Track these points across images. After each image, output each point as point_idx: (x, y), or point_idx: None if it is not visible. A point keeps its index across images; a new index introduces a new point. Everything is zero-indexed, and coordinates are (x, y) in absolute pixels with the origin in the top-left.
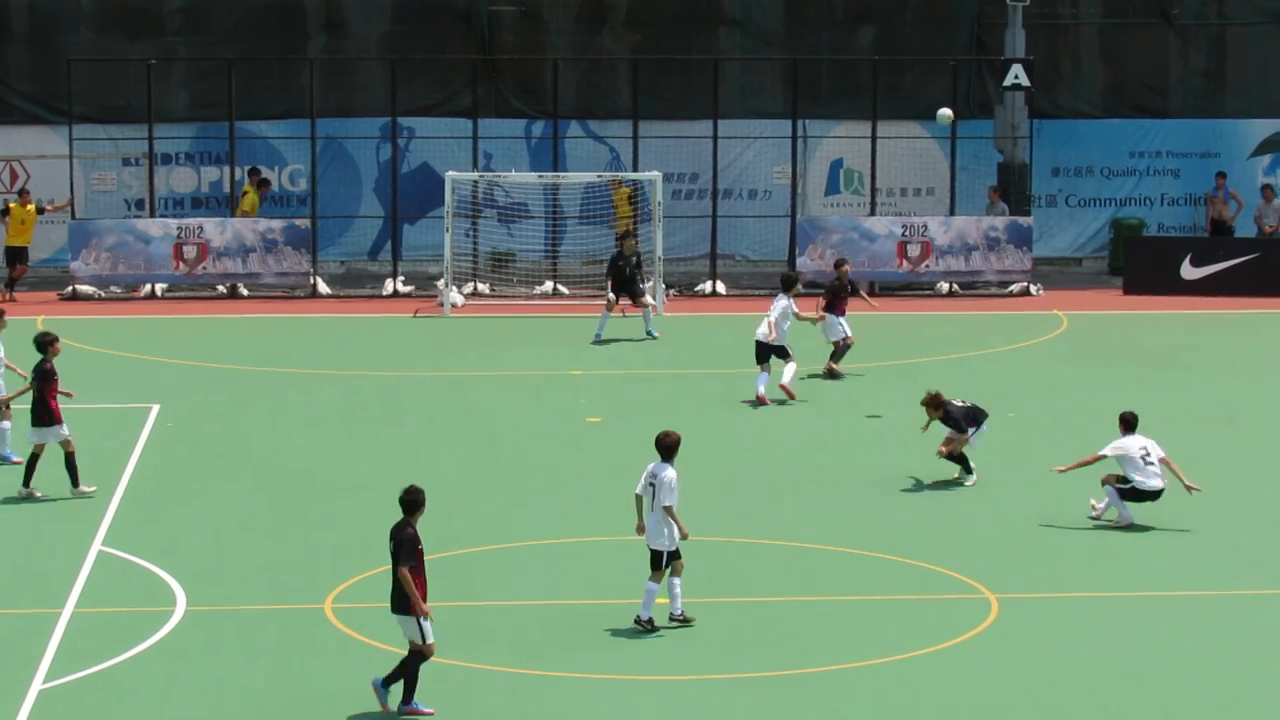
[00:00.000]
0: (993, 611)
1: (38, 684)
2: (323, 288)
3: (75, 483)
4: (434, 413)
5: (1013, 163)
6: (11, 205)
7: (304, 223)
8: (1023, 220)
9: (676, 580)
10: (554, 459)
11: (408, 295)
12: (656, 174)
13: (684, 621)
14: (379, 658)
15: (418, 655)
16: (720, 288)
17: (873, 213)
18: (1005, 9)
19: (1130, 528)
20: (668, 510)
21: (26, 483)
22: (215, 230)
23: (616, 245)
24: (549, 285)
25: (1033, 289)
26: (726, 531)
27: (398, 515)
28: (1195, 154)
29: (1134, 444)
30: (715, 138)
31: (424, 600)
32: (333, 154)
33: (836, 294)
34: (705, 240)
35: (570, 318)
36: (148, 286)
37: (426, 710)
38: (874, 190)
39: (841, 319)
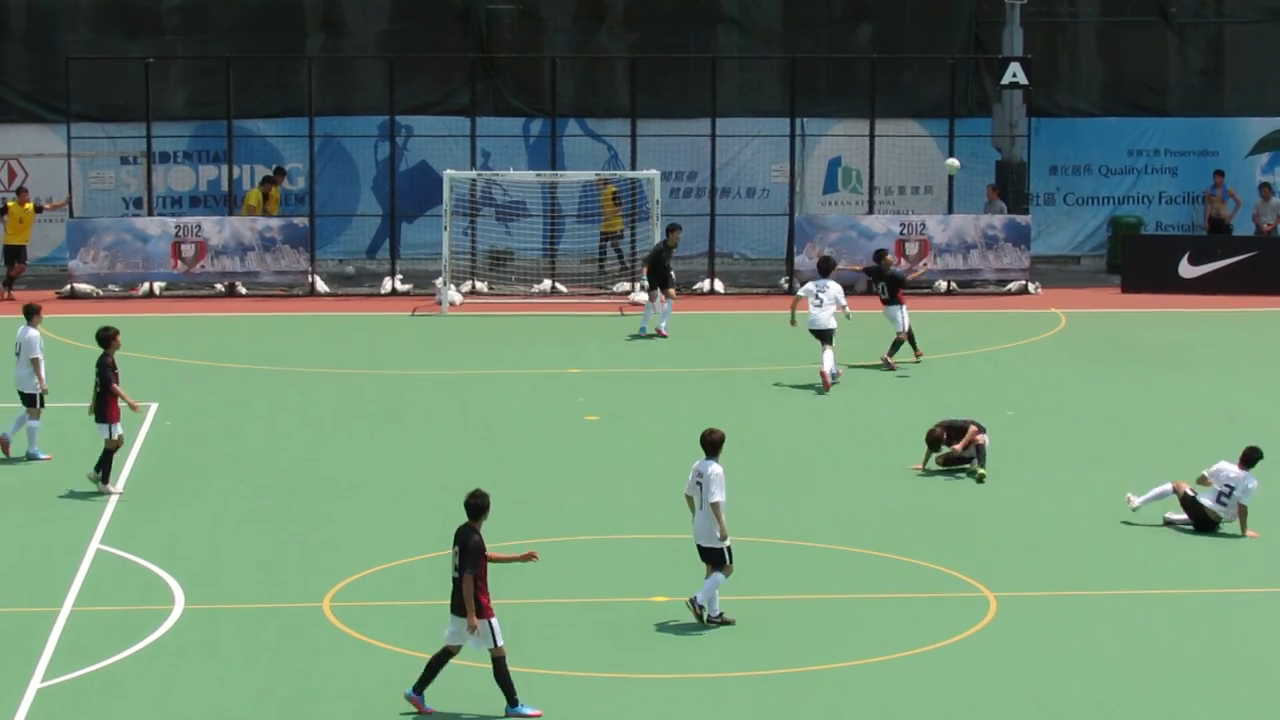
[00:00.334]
0: (991, 610)
1: (36, 682)
2: (321, 286)
3: (105, 478)
4: (432, 411)
5: (1011, 161)
6: (10, 204)
7: (302, 221)
8: (1021, 218)
9: (718, 579)
10: (552, 457)
11: (406, 294)
12: (655, 172)
13: (718, 620)
14: (377, 656)
15: (499, 660)
16: (718, 286)
17: (871, 211)
18: (1003, 7)
19: (1129, 522)
20: (715, 508)
21: (106, 479)
22: (213, 229)
23: (663, 237)
24: (547, 284)
25: (1031, 287)
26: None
27: (396, 515)
28: (1193, 152)
29: (1231, 476)
30: (713, 136)
31: (488, 604)
32: (331, 152)
33: (893, 284)
34: (703, 239)
35: (568, 316)
36: (146, 285)
37: (427, 708)
38: (872, 188)
39: (902, 308)
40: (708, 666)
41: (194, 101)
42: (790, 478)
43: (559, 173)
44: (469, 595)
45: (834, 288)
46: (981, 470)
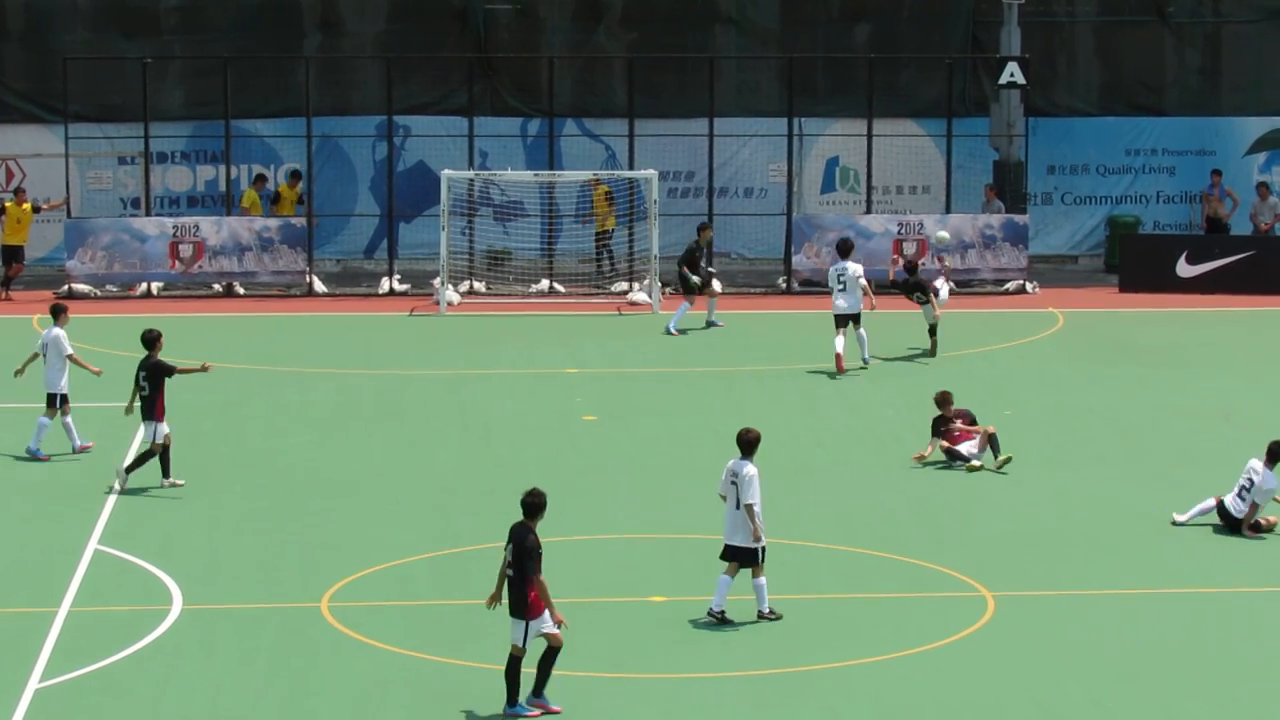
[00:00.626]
0: (989, 609)
1: (34, 683)
2: (319, 286)
3: (166, 473)
4: (430, 411)
5: (1008, 161)
6: (7, 204)
7: (300, 221)
8: (1018, 218)
9: (760, 581)
10: (549, 457)
11: (404, 294)
12: (652, 172)
13: (776, 616)
14: (375, 656)
15: (515, 659)
16: (716, 286)
17: (869, 210)
18: (1001, 7)
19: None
20: (749, 509)
21: (166, 473)
22: (211, 229)
23: (696, 234)
24: (545, 284)
25: (1029, 287)
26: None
27: (394, 515)
28: (1191, 152)
29: (1256, 471)
30: (711, 136)
31: (537, 603)
32: (329, 152)
33: (926, 288)
34: None
35: (566, 316)
36: (144, 285)
37: (554, 708)
38: (870, 188)
39: (936, 298)
40: (706, 666)
41: (191, 102)
42: (789, 478)
43: (557, 173)
44: (543, 593)
45: (854, 269)
46: (1003, 457)
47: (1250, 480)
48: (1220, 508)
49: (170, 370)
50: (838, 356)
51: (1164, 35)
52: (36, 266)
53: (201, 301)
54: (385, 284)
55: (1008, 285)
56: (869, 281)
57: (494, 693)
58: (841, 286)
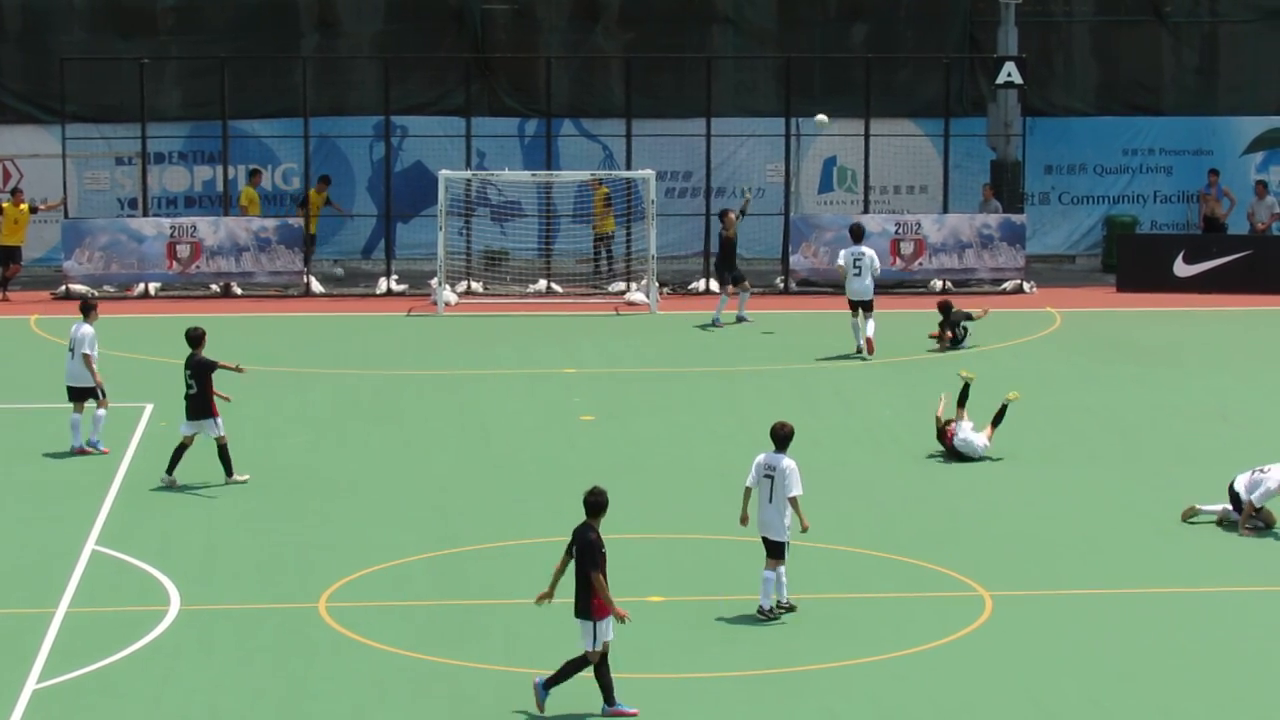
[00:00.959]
0: (987, 609)
1: (31, 684)
2: (316, 286)
3: (229, 472)
4: (428, 411)
5: (1006, 160)
6: (4, 205)
7: (297, 222)
8: (1016, 218)
9: (780, 570)
10: (547, 457)
11: (401, 294)
12: (650, 172)
13: (780, 613)
14: (373, 657)
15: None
16: (714, 286)
17: (866, 210)
18: (998, 6)
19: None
20: (794, 501)
21: (170, 470)
22: (208, 229)
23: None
24: (542, 284)
25: (1026, 286)
26: (720, 529)
27: (391, 515)
28: (1188, 151)
29: (1268, 468)
30: (709, 135)
31: (601, 605)
32: (326, 153)
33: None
34: (699, 238)
35: (563, 316)
36: (141, 286)
37: (629, 710)
38: (867, 188)
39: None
40: (703, 666)
41: (189, 102)
42: None
43: (554, 173)
44: (604, 592)
45: (869, 254)
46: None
47: (1264, 470)
48: (1231, 489)
49: (213, 365)
50: (868, 341)
51: (1161, 35)
52: (33, 267)
53: (199, 302)
54: (383, 284)
55: (1005, 285)
56: (878, 268)
57: (492, 693)
58: (856, 271)
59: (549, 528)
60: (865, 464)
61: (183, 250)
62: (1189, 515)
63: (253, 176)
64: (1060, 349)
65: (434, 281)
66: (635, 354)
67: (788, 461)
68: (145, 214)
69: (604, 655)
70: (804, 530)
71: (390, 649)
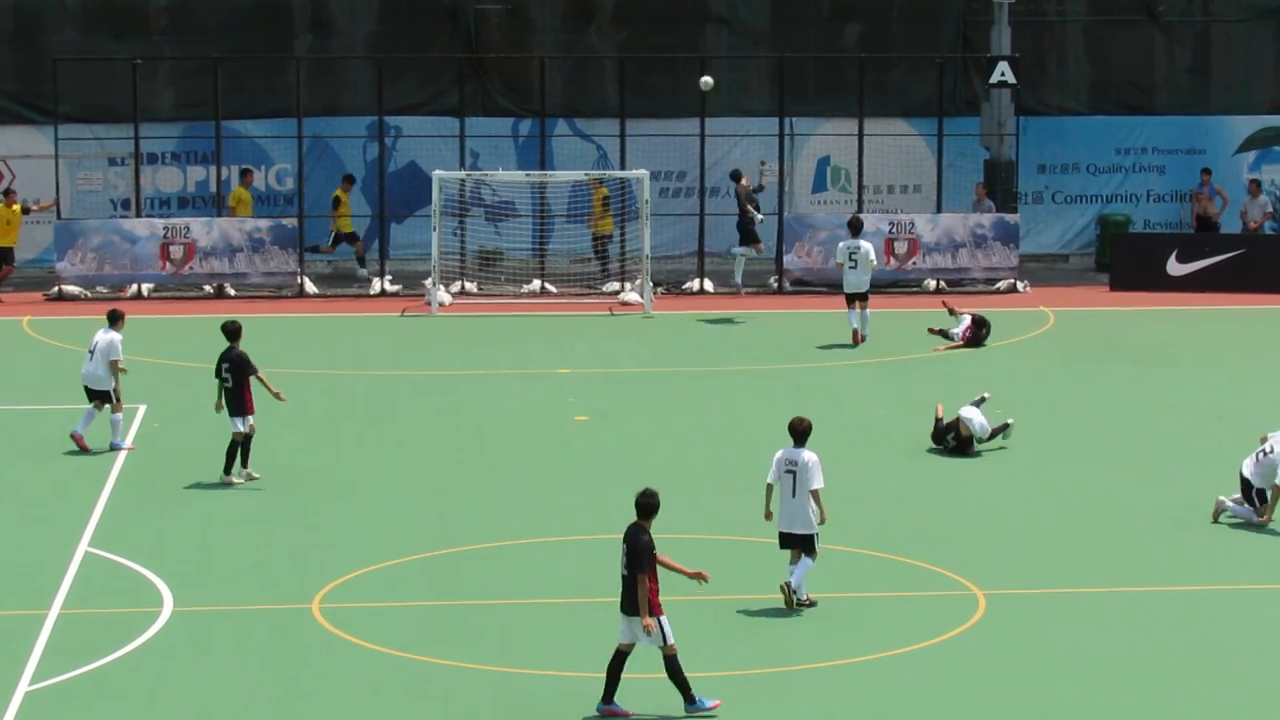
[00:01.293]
0: (980, 608)
1: (24, 685)
2: (310, 287)
3: (245, 463)
4: (422, 412)
5: (999, 160)
6: None
7: (290, 222)
8: (1009, 217)
9: (810, 564)
10: (542, 457)
11: (395, 294)
12: (644, 172)
13: (811, 603)
14: (367, 657)
15: (670, 658)
16: (708, 285)
17: (860, 210)
18: (991, 6)
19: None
20: (815, 494)
21: (228, 470)
22: (202, 230)
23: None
24: (536, 284)
25: (1019, 286)
26: (714, 529)
27: (385, 516)
28: (1181, 150)
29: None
30: (702, 135)
31: (658, 603)
32: (319, 153)
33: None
34: (693, 238)
35: (558, 316)
36: (134, 286)
37: (626, 711)
38: (861, 187)
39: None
40: (698, 665)
41: (182, 102)
42: None
43: (548, 173)
44: (643, 595)
45: (866, 247)
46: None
47: (1271, 447)
48: (1241, 477)
49: (254, 370)
50: (854, 332)
51: (1154, 34)
52: (26, 268)
53: (192, 303)
54: (376, 284)
55: (999, 284)
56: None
57: (482, 692)
58: (853, 264)
59: (544, 528)
60: (859, 463)
61: (176, 251)
62: (1218, 512)
63: (244, 176)
64: (1054, 348)
65: (428, 282)
66: (630, 354)
67: (808, 455)
68: (138, 215)
69: (622, 653)
70: (822, 522)
71: (384, 650)
